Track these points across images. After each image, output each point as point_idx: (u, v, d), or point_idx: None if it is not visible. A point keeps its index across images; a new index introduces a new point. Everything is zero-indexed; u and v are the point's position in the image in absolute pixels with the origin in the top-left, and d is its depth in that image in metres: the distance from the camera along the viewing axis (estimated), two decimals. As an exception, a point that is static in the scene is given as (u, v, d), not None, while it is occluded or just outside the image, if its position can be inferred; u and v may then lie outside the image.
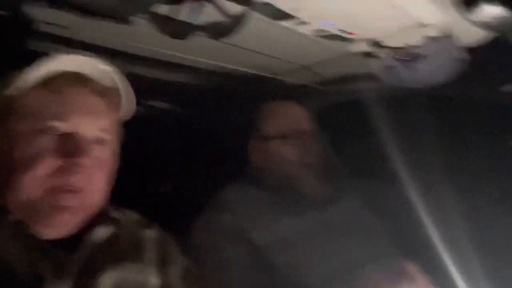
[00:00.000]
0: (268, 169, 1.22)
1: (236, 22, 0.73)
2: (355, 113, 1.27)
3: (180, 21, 0.72)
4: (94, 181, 0.73)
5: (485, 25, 0.58)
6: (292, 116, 1.25)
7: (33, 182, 0.68)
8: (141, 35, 0.94)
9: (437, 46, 0.98)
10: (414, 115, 1.22)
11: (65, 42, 0.96)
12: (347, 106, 1.44)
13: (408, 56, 1.02)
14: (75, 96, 0.74)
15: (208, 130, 1.35)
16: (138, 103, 0.81)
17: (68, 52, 0.74)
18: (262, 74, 1.32)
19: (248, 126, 1.26)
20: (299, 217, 1.13)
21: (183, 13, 0.72)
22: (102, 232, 0.77)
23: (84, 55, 0.75)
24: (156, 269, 0.81)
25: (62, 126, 0.71)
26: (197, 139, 1.37)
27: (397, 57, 1.03)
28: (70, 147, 0.70)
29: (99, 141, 0.75)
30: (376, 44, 1.01)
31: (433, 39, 0.96)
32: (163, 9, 0.72)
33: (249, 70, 1.30)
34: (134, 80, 0.78)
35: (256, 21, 0.87)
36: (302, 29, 0.90)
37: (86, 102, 0.75)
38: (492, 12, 0.53)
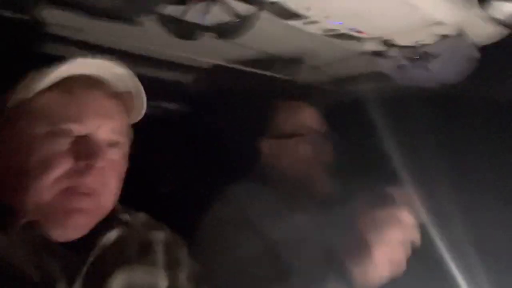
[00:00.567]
0: (279, 169, 1.22)
1: (244, 22, 0.73)
2: (365, 113, 1.26)
3: (187, 21, 0.71)
4: (107, 184, 0.74)
5: (499, 22, 0.56)
6: (304, 116, 1.26)
7: (47, 184, 0.68)
8: (150, 36, 0.94)
9: (449, 45, 0.97)
10: (424, 115, 1.20)
11: (76, 44, 0.96)
12: (357, 106, 1.42)
13: (419, 55, 1.00)
14: (90, 99, 0.74)
15: (217, 130, 1.35)
16: (148, 104, 0.81)
17: (80, 54, 0.74)
18: (271, 74, 1.32)
19: (258, 125, 1.26)
20: (309, 216, 1.13)
21: (191, 14, 0.72)
22: (111, 234, 0.77)
23: (98, 57, 0.75)
24: (164, 271, 0.81)
25: (77, 128, 0.72)
26: (205, 139, 1.37)
27: (409, 56, 1.01)
28: (84, 150, 0.71)
29: (113, 144, 0.76)
30: (387, 43, 1.00)
31: (445, 37, 0.95)
32: (170, 9, 0.72)
33: (258, 70, 1.29)
34: (142, 81, 0.78)
35: (266, 21, 0.86)
36: (311, 28, 0.90)
37: (101, 105, 0.76)
38: (506, 8, 0.52)
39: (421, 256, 1.03)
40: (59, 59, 0.72)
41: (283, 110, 1.26)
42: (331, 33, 0.92)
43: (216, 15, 0.72)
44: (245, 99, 1.34)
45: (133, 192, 0.79)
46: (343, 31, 0.91)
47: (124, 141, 0.79)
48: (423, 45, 0.98)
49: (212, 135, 1.34)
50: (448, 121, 1.23)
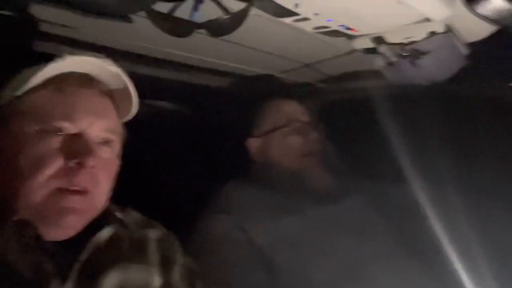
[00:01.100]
0: (270, 165, 1.23)
1: (236, 19, 0.73)
2: (357, 110, 1.27)
3: (180, 18, 0.71)
4: (99, 182, 0.74)
5: (490, 19, 0.57)
6: (289, 110, 1.27)
7: (39, 183, 0.68)
8: (143, 34, 0.94)
9: (440, 42, 0.97)
10: (417, 112, 1.21)
11: (70, 42, 0.96)
12: (349, 103, 1.43)
13: (411, 52, 1.01)
14: (81, 97, 0.74)
15: (210, 128, 1.35)
16: (140, 102, 0.81)
17: (71, 52, 0.74)
18: (264, 72, 1.32)
19: (249, 124, 1.27)
20: (302, 215, 1.13)
21: (182, 10, 0.72)
22: (105, 233, 0.76)
23: (89, 55, 0.75)
24: (158, 269, 0.81)
25: (69, 127, 0.72)
26: (198, 138, 1.37)
27: (400, 53, 1.02)
28: (76, 148, 0.70)
29: (105, 142, 0.76)
30: (379, 40, 1.00)
31: (436, 34, 0.95)
32: (163, 6, 0.72)
33: (249, 68, 1.30)
34: (134, 78, 0.78)
35: (257, 18, 0.87)
36: (303, 25, 0.90)
37: (93, 103, 0.75)
38: (497, 5, 0.52)
39: (427, 256, 1.04)
40: (51, 57, 0.72)
41: (266, 108, 1.27)
42: (322, 30, 0.93)
43: (207, 12, 0.72)
44: (236, 97, 1.35)
45: (126, 191, 0.79)
46: (333, 28, 0.91)
47: (116, 139, 0.78)
48: (413, 42, 0.99)
49: (205, 133, 1.35)
50: (445, 117, 1.23)
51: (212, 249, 1.07)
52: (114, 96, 0.79)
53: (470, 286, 0.97)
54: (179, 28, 0.72)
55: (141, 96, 0.80)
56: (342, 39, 1.01)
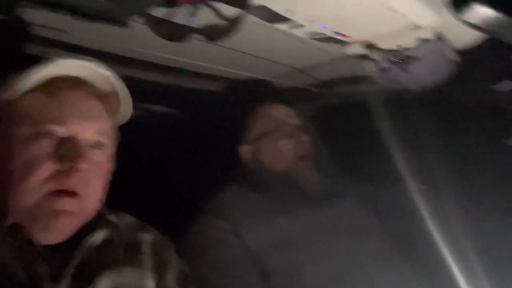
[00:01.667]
0: (263, 170, 1.23)
1: (231, 25, 0.74)
2: (350, 115, 1.28)
3: (175, 23, 0.72)
4: (91, 185, 0.73)
5: (477, 26, 0.58)
6: (278, 114, 1.27)
7: (31, 186, 0.68)
8: (138, 38, 0.95)
9: (431, 48, 0.99)
10: (409, 117, 1.22)
11: (62, 45, 0.96)
12: (342, 108, 1.44)
13: (402, 58, 1.03)
14: (73, 100, 0.74)
15: (203, 132, 1.35)
16: (133, 106, 0.81)
17: (65, 56, 0.74)
18: (257, 77, 1.33)
19: (242, 128, 1.27)
20: (295, 218, 1.13)
21: (179, 16, 0.73)
22: (98, 236, 0.76)
23: (81, 58, 0.75)
24: (152, 273, 0.81)
25: (60, 130, 0.71)
26: (192, 142, 1.37)
27: (391, 59, 1.03)
28: (68, 151, 0.70)
29: (97, 145, 0.75)
30: (370, 46, 1.02)
31: (427, 41, 0.97)
32: (159, 11, 0.72)
33: (244, 73, 1.30)
34: (129, 83, 0.78)
35: (252, 24, 0.88)
36: (297, 31, 0.91)
37: (84, 106, 0.75)
38: (483, 13, 0.54)
39: (420, 258, 1.05)
40: (44, 61, 0.72)
41: (256, 113, 1.27)
42: (316, 36, 0.94)
43: (203, 18, 0.73)
44: (230, 102, 1.35)
45: (120, 195, 0.79)
46: (327, 34, 0.93)
47: (109, 142, 0.78)
48: (405, 49, 1.01)
49: (199, 137, 1.35)
50: (436, 121, 1.25)
51: (206, 253, 1.07)
52: (108, 99, 0.79)
53: (464, 286, 0.98)
54: (175, 33, 0.73)
55: (134, 99, 0.80)
56: (335, 45, 1.02)
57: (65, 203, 0.70)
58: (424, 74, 1.06)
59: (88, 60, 0.75)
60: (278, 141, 1.23)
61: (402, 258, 1.12)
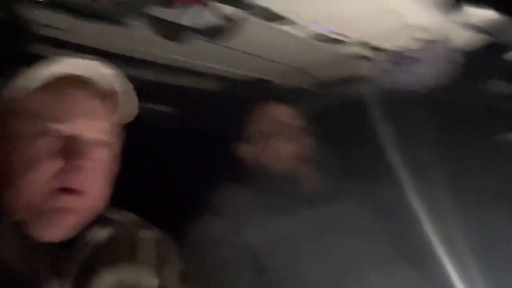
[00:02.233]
0: (263, 169, 1.23)
1: (231, 25, 0.74)
2: (349, 115, 1.28)
3: (175, 23, 0.72)
4: (94, 184, 0.73)
5: (474, 28, 0.59)
6: (281, 114, 1.26)
7: (34, 184, 0.68)
8: (139, 38, 0.95)
9: (431, 49, 0.99)
10: (408, 117, 1.22)
11: (64, 45, 0.96)
12: (341, 108, 1.44)
13: (402, 58, 1.03)
14: (76, 99, 0.74)
15: (204, 132, 1.35)
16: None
17: (67, 55, 0.74)
18: (258, 76, 1.33)
19: (242, 127, 1.27)
20: (294, 217, 1.13)
21: (179, 16, 0.73)
22: (100, 233, 0.77)
23: (83, 57, 0.75)
24: (153, 271, 0.81)
25: (63, 128, 0.71)
26: (193, 141, 1.37)
27: (392, 59, 1.03)
28: (71, 150, 0.70)
29: (100, 144, 0.75)
30: (372, 47, 1.02)
31: (428, 42, 0.98)
32: (159, 11, 0.73)
33: (245, 73, 1.30)
34: (130, 82, 0.78)
35: (252, 24, 0.88)
36: (297, 32, 0.91)
37: (87, 104, 0.75)
38: (477, 14, 0.54)
39: (418, 258, 1.05)
40: (47, 60, 0.72)
41: (257, 113, 1.27)
42: (316, 37, 0.94)
43: (205, 18, 0.73)
44: (230, 101, 1.35)
45: (122, 193, 0.80)
46: (327, 35, 0.93)
47: (113, 141, 0.78)
48: (407, 50, 1.01)
49: (199, 136, 1.35)
50: (436, 121, 1.25)
51: (205, 251, 1.07)
52: (112, 98, 0.80)
53: (462, 286, 0.98)
54: (175, 33, 0.73)
55: (137, 99, 0.80)
56: (335, 45, 1.03)
57: (68, 201, 0.70)
58: (425, 75, 1.06)
59: (92, 59, 0.75)
60: (280, 143, 1.22)
61: (401, 259, 1.12)
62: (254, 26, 0.89)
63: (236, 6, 0.74)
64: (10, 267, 0.66)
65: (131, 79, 0.78)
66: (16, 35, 0.88)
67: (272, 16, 0.82)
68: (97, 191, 0.75)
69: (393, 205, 1.16)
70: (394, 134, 1.17)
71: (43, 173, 0.69)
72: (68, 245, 0.72)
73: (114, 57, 1.04)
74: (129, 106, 0.80)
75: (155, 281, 0.80)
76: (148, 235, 0.85)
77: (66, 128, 0.72)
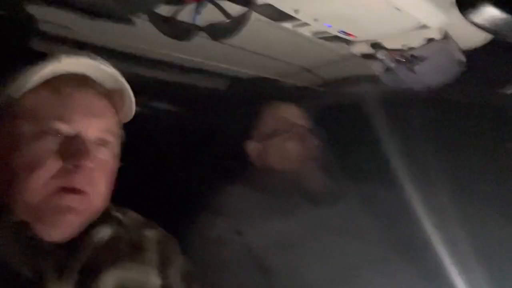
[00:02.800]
0: (269, 169, 1.23)
1: (236, 23, 0.74)
2: (355, 114, 1.28)
3: (180, 21, 0.72)
4: (96, 183, 0.74)
5: (486, 27, 0.58)
6: (289, 114, 1.27)
7: (37, 184, 0.68)
8: (143, 36, 0.95)
9: (437, 48, 0.99)
10: (413, 117, 1.22)
11: (68, 42, 0.96)
12: (347, 107, 1.44)
13: (408, 58, 1.02)
14: (78, 98, 0.74)
15: (208, 131, 1.35)
16: (138, 104, 0.81)
17: (70, 53, 0.74)
18: (262, 75, 1.33)
19: (248, 127, 1.27)
20: (297, 218, 1.13)
21: (184, 14, 0.73)
22: (103, 233, 0.77)
23: (86, 56, 0.75)
24: (157, 270, 0.81)
25: (65, 127, 0.72)
26: (197, 140, 1.37)
27: (398, 59, 1.03)
28: (72, 149, 0.70)
29: (102, 143, 0.76)
30: (376, 45, 1.01)
31: (433, 41, 0.97)
32: (163, 9, 0.72)
33: (249, 72, 1.30)
34: (135, 80, 0.78)
35: (257, 22, 0.87)
36: (302, 30, 0.91)
37: (89, 103, 0.75)
38: (492, 14, 0.53)
39: (419, 260, 1.05)
40: (49, 58, 0.72)
41: (265, 111, 1.27)
42: (321, 35, 0.94)
43: (208, 16, 0.73)
44: (235, 100, 1.35)
45: (125, 192, 0.80)
46: (332, 33, 0.92)
47: (114, 140, 0.78)
48: (411, 48, 1.00)
49: (203, 136, 1.35)
50: (439, 122, 1.24)
51: (208, 251, 1.07)
52: (112, 96, 0.80)
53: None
54: (180, 31, 0.73)
55: (140, 97, 0.80)
56: (341, 44, 1.02)
57: (71, 200, 0.70)
58: (430, 75, 1.06)
59: (93, 57, 0.75)
60: (286, 142, 1.23)
61: (401, 260, 1.12)
62: (259, 24, 0.89)
63: (241, 5, 0.73)
64: (14, 268, 0.66)
65: (135, 77, 0.78)
66: (19, 32, 0.88)
67: (278, 15, 0.82)
68: (99, 190, 0.75)
69: (394, 207, 1.16)
70: (399, 134, 1.17)
71: (45, 173, 0.69)
72: (72, 245, 0.72)
73: (118, 55, 1.04)
74: (128, 105, 0.80)
75: (159, 281, 0.80)
76: (151, 234, 0.85)
77: (68, 127, 0.72)
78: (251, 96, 1.33)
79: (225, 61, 1.21)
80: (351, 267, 1.07)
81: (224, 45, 1.01)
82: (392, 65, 1.05)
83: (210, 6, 0.73)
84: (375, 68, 1.08)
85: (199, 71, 1.25)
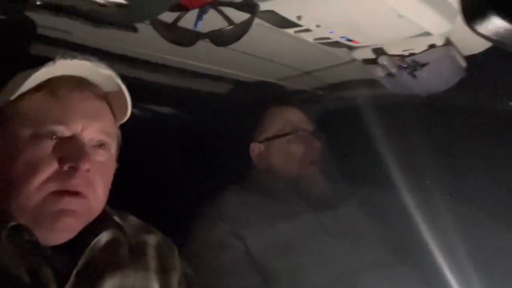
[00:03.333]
0: (271, 171, 1.23)
1: (240, 29, 0.73)
2: (356, 119, 1.28)
3: (184, 28, 0.72)
4: (94, 185, 0.73)
5: (492, 38, 0.58)
6: (293, 117, 1.28)
7: (34, 187, 0.68)
8: (145, 40, 0.94)
9: (439, 54, 0.99)
10: (413, 122, 1.22)
11: (68, 46, 0.95)
12: (348, 112, 1.44)
13: (410, 63, 1.02)
14: (75, 100, 0.74)
15: (210, 135, 1.35)
16: (140, 107, 0.81)
17: (70, 56, 0.74)
18: (265, 79, 1.33)
19: (250, 130, 1.27)
20: (297, 222, 1.14)
21: (188, 21, 0.73)
22: (103, 237, 0.77)
23: (87, 59, 0.75)
24: (156, 275, 0.81)
25: (63, 130, 0.71)
26: (198, 144, 1.37)
27: (400, 64, 1.03)
28: (70, 151, 0.70)
29: (100, 145, 0.75)
30: (379, 51, 1.01)
31: (436, 47, 0.97)
32: (165, 15, 0.72)
33: (252, 76, 1.30)
34: (135, 83, 0.78)
35: (260, 28, 0.87)
36: (304, 36, 0.91)
37: (87, 106, 0.75)
38: (497, 25, 0.53)
39: (417, 264, 1.05)
40: (47, 61, 0.72)
41: (270, 114, 1.28)
42: (323, 41, 0.93)
43: (210, 22, 0.73)
44: (237, 104, 1.35)
45: (124, 196, 0.79)
46: (335, 39, 0.92)
47: (111, 142, 0.78)
48: (413, 54, 1.00)
49: (205, 139, 1.35)
50: (440, 128, 1.25)
51: (207, 255, 1.07)
52: (109, 98, 0.79)
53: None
54: (183, 37, 0.73)
55: (141, 100, 0.80)
56: (343, 49, 1.02)
57: (69, 203, 0.70)
58: (431, 80, 1.06)
59: (91, 60, 0.75)
60: (290, 143, 1.24)
61: (401, 264, 1.12)
62: (262, 30, 0.89)
63: (245, 11, 0.73)
64: (12, 272, 0.66)
65: (138, 81, 0.78)
66: (21, 36, 0.87)
67: (281, 21, 0.82)
68: (97, 192, 0.74)
69: (394, 211, 1.16)
70: (399, 139, 1.17)
71: (43, 176, 0.69)
72: (70, 249, 0.72)
73: (121, 59, 1.04)
74: (126, 106, 0.79)
75: (158, 286, 0.80)
76: (151, 239, 0.85)
77: (65, 129, 0.71)
78: (253, 100, 1.33)
79: (225, 65, 1.21)
80: (351, 271, 1.08)
81: (226, 49, 1.01)
82: (394, 70, 1.05)
83: (212, 12, 0.73)
84: (377, 73, 1.09)
85: (203, 75, 1.25)
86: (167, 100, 1.38)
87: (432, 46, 0.98)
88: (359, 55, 1.05)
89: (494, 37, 0.57)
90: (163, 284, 0.81)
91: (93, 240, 0.74)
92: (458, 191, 1.13)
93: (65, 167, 0.69)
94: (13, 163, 0.69)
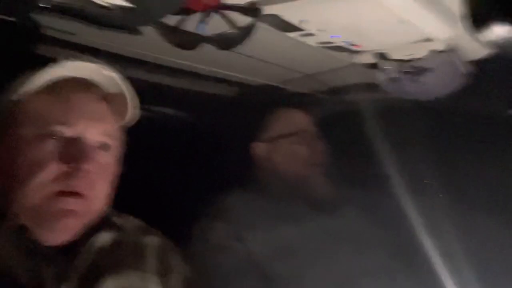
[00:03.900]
0: (273, 172, 1.23)
1: (243, 33, 0.74)
2: (358, 122, 1.28)
3: (188, 31, 0.72)
4: (96, 186, 0.73)
5: (495, 45, 0.58)
6: (297, 119, 1.28)
7: (36, 187, 0.68)
8: (149, 43, 0.95)
9: (442, 60, 0.99)
10: (415, 127, 1.22)
11: (72, 47, 0.96)
12: (350, 115, 1.44)
13: (412, 68, 1.02)
14: (80, 102, 0.74)
15: (214, 137, 1.35)
16: (144, 109, 0.81)
17: (74, 58, 0.74)
18: (268, 82, 1.33)
19: (254, 132, 1.27)
20: (299, 225, 1.13)
21: (191, 24, 0.73)
22: (104, 238, 0.77)
23: (90, 60, 0.75)
24: (157, 277, 0.81)
25: (67, 131, 0.72)
26: (202, 146, 1.37)
27: (402, 69, 1.03)
28: (74, 152, 0.70)
29: (103, 147, 0.75)
30: (382, 56, 1.02)
31: (438, 52, 0.97)
32: (171, 19, 0.73)
33: (255, 79, 1.30)
34: (140, 85, 0.78)
35: (264, 31, 0.88)
36: (308, 40, 0.91)
37: (91, 107, 0.75)
38: (502, 32, 0.53)
39: (417, 268, 1.05)
40: (51, 62, 0.72)
41: (274, 115, 1.28)
42: (327, 45, 0.94)
43: (215, 26, 0.73)
44: (241, 107, 1.35)
45: (126, 197, 0.79)
46: (338, 44, 0.93)
47: (114, 143, 0.78)
48: (416, 59, 1.01)
49: (208, 141, 1.35)
50: (440, 132, 1.25)
51: (208, 258, 1.07)
52: (114, 100, 0.80)
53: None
54: (186, 41, 0.73)
55: (147, 102, 0.80)
56: (346, 53, 1.02)
57: (69, 202, 0.70)
58: (434, 85, 1.06)
59: (95, 62, 0.75)
60: (294, 145, 1.23)
61: (402, 268, 1.12)
62: (266, 34, 0.89)
63: (248, 15, 0.74)
64: (12, 272, 0.66)
65: (144, 83, 0.78)
66: (26, 37, 0.88)
67: (284, 25, 0.82)
68: (99, 194, 0.74)
69: (395, 215, 1.16)
70: (401, 143, 1.17)
71: (45, 176, 0.69)
72: (71, 250, 0.72)
73: (126, 61, 1.04)
74: (132, 109, 0.79)
75: None
76: (152, 240, 0.84)
77: (70, 130, 0.72)
78: (258, 103, 1.34)
79: (228, 67, 1.22)
80: (352, 275, 1.08)
81: (230, 52, 1.01)
82: (396, 75, 1.05)
83: (216, 16, 0.73)
84: (379, 77, 1.09)
85: (208, 78, 1.25)
86: (171, 102, 1.38)
87: (434, 52, 0.98)
88: (362, 59, 1.05)
89: (496, 44, 0.58)
90: (165, 285, 0.81)
91: (94, 240, 0.74)
92: (460, 196, 1.13)
93: (68, 168, 0.70)
94: (15, 163, 0.69)
